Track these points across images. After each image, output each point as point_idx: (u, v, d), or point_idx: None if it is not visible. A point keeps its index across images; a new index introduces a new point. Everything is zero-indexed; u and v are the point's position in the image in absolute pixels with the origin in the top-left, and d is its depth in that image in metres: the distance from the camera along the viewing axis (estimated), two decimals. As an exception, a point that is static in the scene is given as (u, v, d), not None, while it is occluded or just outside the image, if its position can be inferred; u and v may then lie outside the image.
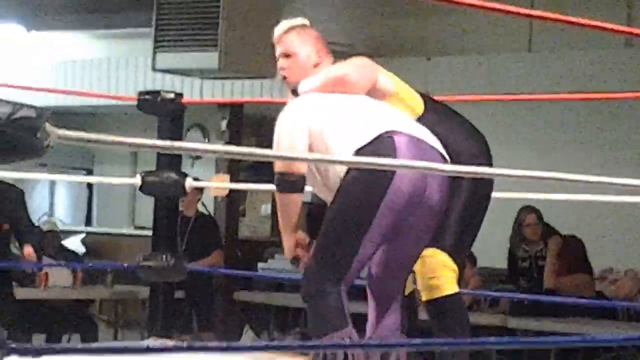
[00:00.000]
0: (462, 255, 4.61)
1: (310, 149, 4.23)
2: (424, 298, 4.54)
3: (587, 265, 9.62)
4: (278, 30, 4.70)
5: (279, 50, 4.68)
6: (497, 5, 3.33)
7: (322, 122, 4.27)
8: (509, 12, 3.39)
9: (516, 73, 10.61)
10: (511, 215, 9.73)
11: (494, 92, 9.75)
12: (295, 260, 4.32)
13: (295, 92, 4.55)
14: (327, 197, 4.29)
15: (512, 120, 10.93)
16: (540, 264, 9.59)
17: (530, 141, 10.92)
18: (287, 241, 4.33)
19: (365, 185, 4.08)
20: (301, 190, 4.29)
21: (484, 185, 4.62)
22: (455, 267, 4.54)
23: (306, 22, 4.75)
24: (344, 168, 4.13)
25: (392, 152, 4.05)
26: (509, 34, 10.66)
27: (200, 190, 10.60)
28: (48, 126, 2.15)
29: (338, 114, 4.32)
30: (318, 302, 4.08)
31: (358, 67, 4.56)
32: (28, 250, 7.09)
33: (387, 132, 4.13)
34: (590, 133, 10.71)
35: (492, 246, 9.73)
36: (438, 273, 4.50)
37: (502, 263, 9.87)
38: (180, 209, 10.40)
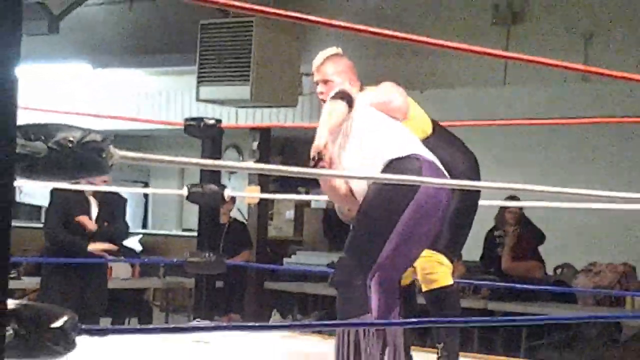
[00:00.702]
0: (456, 253, 4.61)
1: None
2: (423, 289, 4.53)
3: (538, 254, 9.61)
4: (317, 61, 4.64)
5: (317, 78, 4.63)
6: (477, 48, 3.33)
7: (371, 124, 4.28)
8: (487, 53, 3.39)
9: (493, 102, 10.58)
10: (488, 221, 9.73)
11: (476, 118, 9.71)
12: (319, 155, 4.11)
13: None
14: (352, 205, 4.25)
15: (490, 141, 10.91)
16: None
17: (504, 159, 10.91)
18: (322, 135, 4.14)
19: (391, 197, 4.05)
20: (351, 107, 4.25)
21: (472, 196, 4.61)
22: (449, 264, 4.53)
23: (339, 51, 4.72)
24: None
25: (418, 171, 4.04)
26: (488, 70, 10.64)
27: (232, 201, 10.61)
28: (111, 148, 2.14)
29: (381, 124, 4.31)
30: (346, 290, 4.05)
31: (401, 94, 4.56)
32: (102, 246, 7.07)
33: (415, 154, 4.12)
34: (555, 153, 10.69)
35: (475, 243, 9.73)
36: (435, 270, 4.49)
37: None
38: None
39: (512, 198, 8.58)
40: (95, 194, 7.08)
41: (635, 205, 5.77)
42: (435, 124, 4.68)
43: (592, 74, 3.92)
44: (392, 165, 4.06)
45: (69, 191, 6.72)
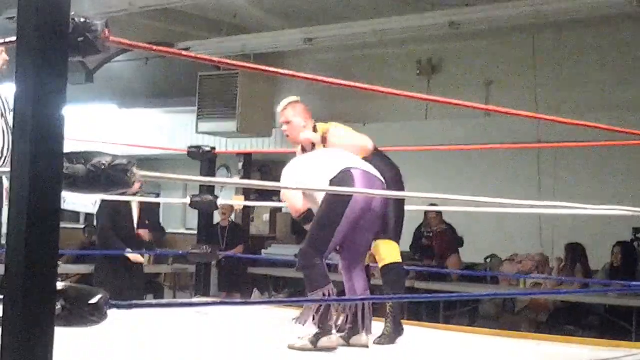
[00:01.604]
0: (399, 238, 4.60)
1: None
2: (380, 265, 4.51)
3: (456, 248, 9.63)
4: (280, 107, 4.71)
5: (281, 120, 4.70)
6: (406, 93, 3.37)
7: (308, 169, 4.32)
8: (411, 96, 3.44)
9: (417, 134, 10.66)
10: (415, 219, 9.75)
11: (405, 144, 9.76)
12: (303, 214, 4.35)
13: (302, 146, 4.67)
14: (314, 207, 4.31)
15: (417, 161, 10.98)
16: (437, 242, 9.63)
17: (430, 174, 10.97)
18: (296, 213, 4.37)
19: (336, 201, 4.13)
20: (310, 220, 4.32)
21: (401, 200, 4.65)
22: (397, 246, 4.55)
23: (297, 98, 4.79)
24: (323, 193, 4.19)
25: (351, 181, 4.12)
26: (414, 108, 10.72)
27: (231, 209, 10.65)
28: (134, 169, 2.16)
29: (319, 161, 4.37)
30: (310, 271, 4.09)
31: (367, 138, 4.67)
32: (137, 258, 6.96)
33: (347, 168, 4.19)
34: (467, 170, 10.75)
35: (405, 237, 9.78)
36: (388, 251, 4.50)
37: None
38: (219, 222, 10.52)
39: (433, 205, 8.62)
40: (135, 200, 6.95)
41: (521, 209, 5.83)
42: (374, 147, 4.73)
43: (493, 111, 3.98)
44: (333, 180, 4.13)
45: (115, 200, 6.62)
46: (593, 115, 8.20)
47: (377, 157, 4.60)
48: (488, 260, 9.87)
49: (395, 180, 4.55)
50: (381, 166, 4.47)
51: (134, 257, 6.93)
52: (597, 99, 9.82)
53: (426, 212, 9.49)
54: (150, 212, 7.24)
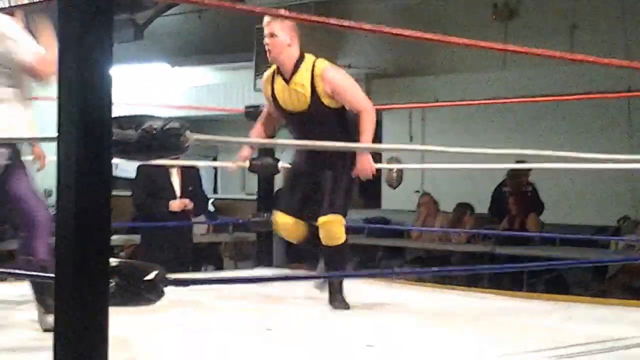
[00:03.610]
0: (346, 210, 4.55)
1: None
2: (334, 244, 4.51)
3: (537, 209, 9.48)
4: (267, 18, 4.62)
5: (266, 32, 4.62)
6: (480, 43, 3.30)
7: None
8: (489, 47, 3.37)
9: (494, 85, 10.52)
10: (495, 177, 9.64)
11: (480, 98, 9.63)
12: None
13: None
14: None
15: (488, 120, 10.85)
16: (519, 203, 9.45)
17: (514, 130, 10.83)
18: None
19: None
20: None
21: (346, 171, 4.55)
22: (343, 220, 4.52)
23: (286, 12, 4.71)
24: None
25: None
26: (490, 57, 10.56)
27: None
28: (187, 133, 2.16)
29: None
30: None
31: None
32: (179, 203, 7.03)
33: None
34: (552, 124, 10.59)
35: (486, 198, 9.68)
36: (335, 229, 4.48)
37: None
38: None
39: (521, 162, 8.40)
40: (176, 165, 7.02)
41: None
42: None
43: (576, 60, 3.90)
44: None
45: (152, 166, 6.70)
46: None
47: None
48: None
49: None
50: None
51: (174, 204, 6.97)
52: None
53: (512, 171, 9.25)
54: (191, 179, 7.24)
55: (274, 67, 4.69)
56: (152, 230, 7.08)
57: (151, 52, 12.83)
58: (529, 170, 9.05)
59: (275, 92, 4.66)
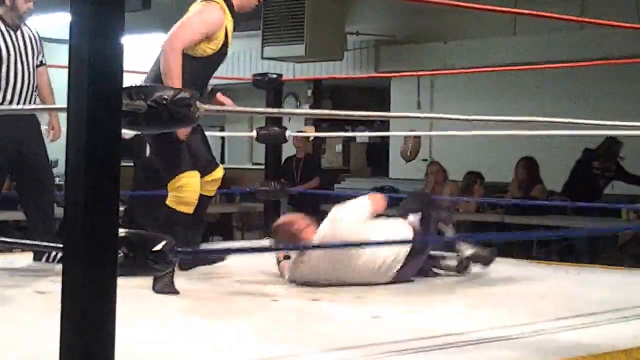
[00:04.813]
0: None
1: None
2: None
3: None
4: None
5: None
6: (489, 7, 3.30)
7: None
8: (499, 10, 3.36)
9: (505, 51, 10.47)
10: (502, 145, 9.62)
11: (490, 64, 9.60)
12: None
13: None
14: None
15: (502, 85, 10.82)
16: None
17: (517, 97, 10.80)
18: None
19: None
20: None
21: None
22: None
23: None
24: None
25: None
26: (500, 23, 10.49)
27: (307, 139, 10.45)
28: (198, 103, 2.16)
29: None
30: None
31: None
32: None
33: None
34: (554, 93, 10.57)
35: (495, 167, 9.65)
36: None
37: (502, 178, 9.73)
38: (294, 154, 10.47)
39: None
40: None
41: None
42: None
43: (589, 23, 3.89)
44: None
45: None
46: None
47: None
48: None
49: None
50: None
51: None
52: None
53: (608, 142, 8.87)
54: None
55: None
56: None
57: (158, 22, 12.79)
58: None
59: (228, 32, 4.43)
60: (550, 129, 6.87)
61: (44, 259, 4.79)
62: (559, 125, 4.91)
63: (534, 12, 3.68)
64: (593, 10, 9.97)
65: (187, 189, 4.10)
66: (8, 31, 4.78)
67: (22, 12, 4.80)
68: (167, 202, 4.11)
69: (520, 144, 9.42)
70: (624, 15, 9.34)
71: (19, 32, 4.83)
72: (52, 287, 3.85)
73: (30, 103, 4.81)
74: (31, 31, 4.93)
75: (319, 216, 4.67)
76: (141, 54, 12.12)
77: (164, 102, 2.06)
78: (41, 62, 4.96)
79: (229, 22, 4.32)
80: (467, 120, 3.68)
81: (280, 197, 6.49)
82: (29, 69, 4.81)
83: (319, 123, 11.70)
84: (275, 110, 5.12)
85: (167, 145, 4.11)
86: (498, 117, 3.57)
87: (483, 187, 9.64)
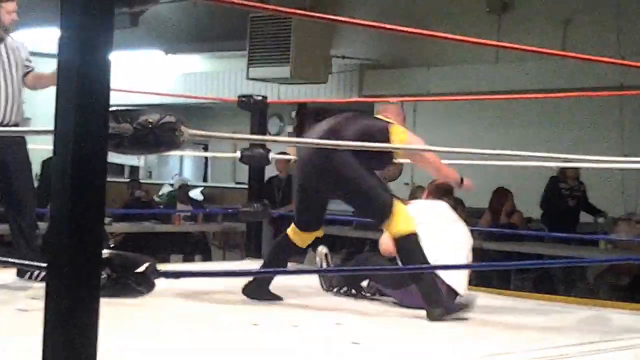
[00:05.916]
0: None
1: None
2: None
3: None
4: None
5: None
6: (472, 39, 3.34)
7: None
8: (480, 43, 3.41)
9: (487, 78, 10.53)
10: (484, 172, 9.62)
11: (472, 91, 9.67)
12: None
13: None
14: None
15: (483, 111, 10.88)
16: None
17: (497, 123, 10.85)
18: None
19: None
20: None
21: None
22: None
23: None
24: None
25: None
26: (482, 50, 10.55)
27: (288, 161, 10.48)
28: (183, 127, 2.17)
29: None
30: None
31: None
32: None
33: None
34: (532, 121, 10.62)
35: (473, 192, 9.62)
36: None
37: (480, 204, 9.75)
38: (277, 174, 10.49)
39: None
40: None
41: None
42: None
43: (570, 57, 3.94)
44: None
45: None
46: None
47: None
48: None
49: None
50: None
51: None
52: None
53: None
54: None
55: None
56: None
57: (145, 39, 12.81)
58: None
59: None
60: (524, 160, 6.90)
61: (26, 276, 4.76)
62: (532, 157, 4.94)
63: (513, 45, 3.72)
64: (575, 39, 10.06)
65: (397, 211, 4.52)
66: None
67: (6, 24, 4.77)
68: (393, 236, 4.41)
69: (497, 169, 9.47)
70: (605, 45, 9.45)
71: (2, 46, 4.78)
72: (34, 305, 3.83)
73: (14, 119, 4.77)
74: (14, 42, 4.86)
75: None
76: (128, 70, 12.12)
77: (150, 125, 2.08)
78: (28, 70, 4.89)
79: None
80: (440, 151, 3.71)
81: (263, 219, 6.50)
82: (12, 84, 4.75)
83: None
84: (259, 137, 5.14)
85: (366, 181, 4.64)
86: (471, 149, 3.61)
87: (465, 212, 9.64)
